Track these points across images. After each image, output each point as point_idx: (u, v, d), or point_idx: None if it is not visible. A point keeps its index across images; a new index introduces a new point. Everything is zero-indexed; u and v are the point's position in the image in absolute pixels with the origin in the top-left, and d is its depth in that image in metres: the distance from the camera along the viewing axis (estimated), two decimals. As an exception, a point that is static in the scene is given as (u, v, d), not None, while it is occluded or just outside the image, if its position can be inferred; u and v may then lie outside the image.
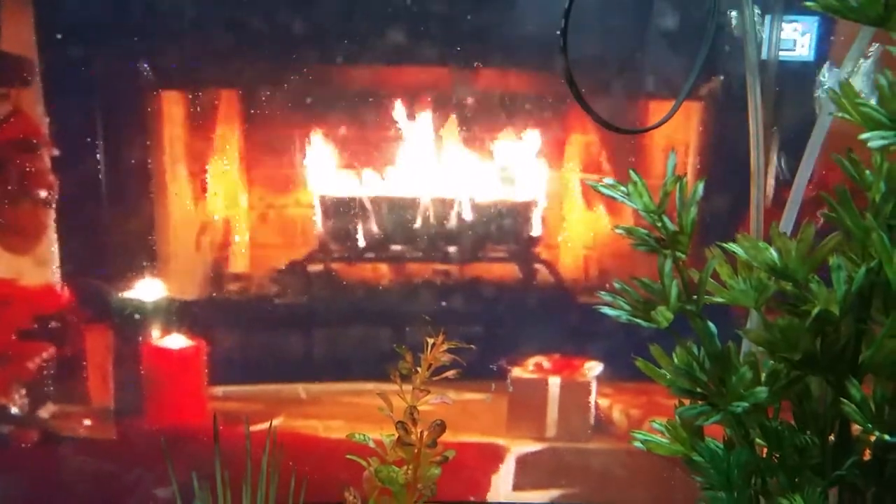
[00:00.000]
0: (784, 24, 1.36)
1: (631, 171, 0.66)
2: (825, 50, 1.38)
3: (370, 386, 1.56)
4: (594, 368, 1.66)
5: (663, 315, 0.63)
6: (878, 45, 1.02)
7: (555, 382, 1.64)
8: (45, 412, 1.57)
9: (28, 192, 1.52)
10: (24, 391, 1.55)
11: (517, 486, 1.56)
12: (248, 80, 1.55)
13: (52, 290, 1.57)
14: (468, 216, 1.66)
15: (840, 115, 0.62)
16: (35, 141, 1.52)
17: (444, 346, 0.82)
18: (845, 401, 0.61)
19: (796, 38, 1.38)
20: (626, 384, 1.66)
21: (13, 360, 1.55)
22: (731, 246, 0.66)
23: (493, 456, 1.59)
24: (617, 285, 0.67)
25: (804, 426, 0.66)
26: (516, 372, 1.65)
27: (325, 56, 1.55)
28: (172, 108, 1.59)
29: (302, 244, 1.68)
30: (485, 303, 1.68)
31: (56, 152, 1.53)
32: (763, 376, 0.65)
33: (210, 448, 0.98)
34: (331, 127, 1.60)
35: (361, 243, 1.67)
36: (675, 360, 0.66)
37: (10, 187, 1.51)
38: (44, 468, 1.55)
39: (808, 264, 0.64)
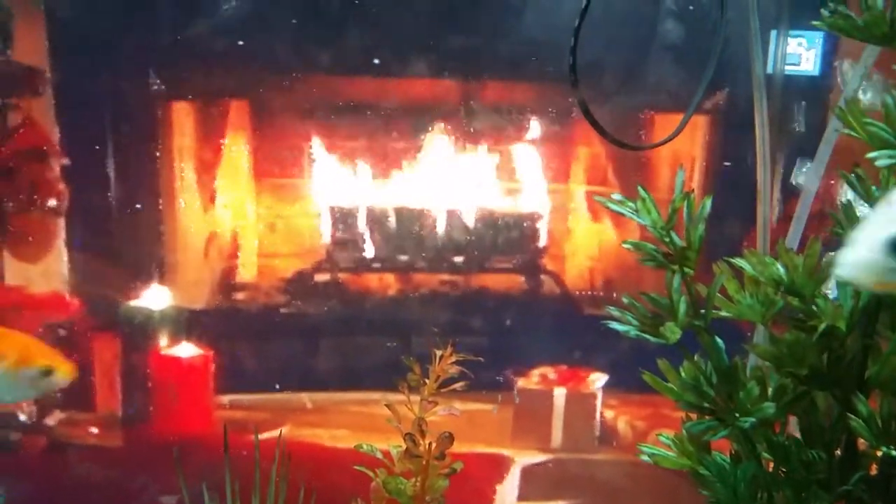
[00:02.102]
0: (790, 40, 1.37)
1: (640, 188, 0.67)
2: (830, 65, 1.39)
3: (376, 396, 1.57)
4: (599, 380, 1.66)
5: (672, 331, 0.64)
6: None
7: (560, 394, 1.64)
8: (52, 419, 1.57)
9: (38, 201, 1.53)
10: (32, 399, 1.56)
11: (522, 497, 1.56)
12: (258, 91, 1.56)
13: (60, 299, 1.57)
14: (475, 228, 1.67)
15: (847, 132, 0.63)
16: (45, 150, 1.53)
17: (453, 358, 0.82)
18: (852, 416, 0.62)
19: (801, 53, 1.39)
20: (631, 396, 1.66)
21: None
22: (739, 261, 0.66)
23: (499, 466, 1.59)
24: (625, 300, 0.67)
25: (811, 441, 0.66)
26: (522, 383, 1.66)
27: (334, 68, 1.56)
28: (182, 118, 1.60)
29: (309, 254, 1.69)
30: (491, 313, 1.68)
31: (66, 162, 1.54)
32: (770, 391, 0.65)
33: (215, 457, 0.98)
34: (339, 138, 1.61)
35: (369, 254, 1.68)
36: (683, 374, 0.66)
37: (20, 196, 1.52)
38: (50, 475, 1.55)
39: (815, 280, 0.64)
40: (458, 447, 0.82)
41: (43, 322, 1.57)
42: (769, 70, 1.36)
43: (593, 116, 0.81)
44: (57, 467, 1.56)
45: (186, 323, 1.61)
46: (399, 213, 1.67)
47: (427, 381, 0.83)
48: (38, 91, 1.52)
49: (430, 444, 0.80)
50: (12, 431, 1.54)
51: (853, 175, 0.66)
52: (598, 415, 1.65)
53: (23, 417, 1.54)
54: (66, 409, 1.58)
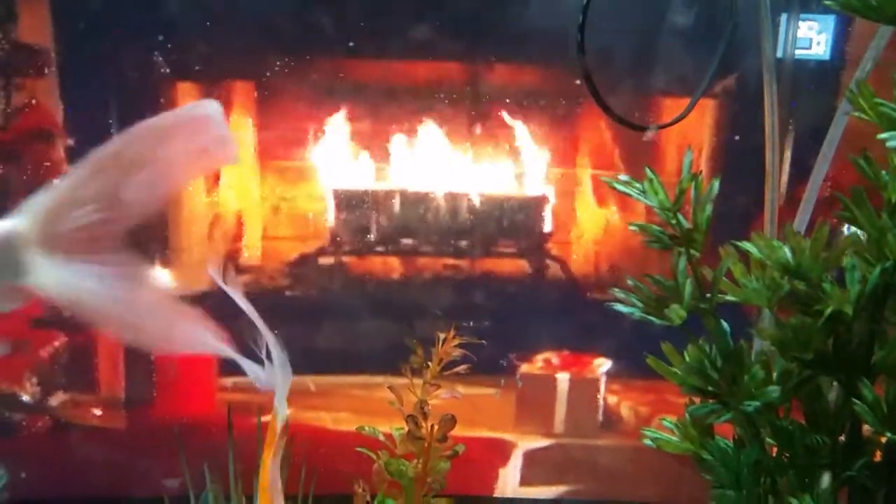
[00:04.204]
0: (800, 23, 1.35)
1: (647, 169, 0.66)
2: (841, 49, 1.38)
3: (380, 379, 1.57)
4: (603, 365, 1.66)
5: (677, 313, 0.63)
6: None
7: (564, 379, 1.64)
8: (55, 400, 1.58)
9: (43, 182, 1.53)
10: (35, 379, 1.57)
11: (524, 482, 1.57)
12: (264, 72, 1.55)
13: (65, 280, 1.57)
14: (480, 211, 1.66)
15: (857, 114, 0.62)
16: (51, 131, 1.53)
17: (455, 341, 0.82)
18: (857, 401, 0.61)
19: (812, 37, 1.37)
20: (634, 381, 1.66)
21: (26, 348, 1.56)
22: (745, 244, 0.65)
23: (501, 451, 1.59)
24: (630, 282, 0.67)
25: (815, 426, 0.66)
26: (525, 368, 1.65)
27: (339, 49, 1.55)
28: (187, 98, 1.59)
29: (314, 237, 1.69)
30: (495, 298, 1.68)
31: (71, 142, 1.54)
32: (775, 375, 0.65)
33: (219, 438, 0.98)
34: (344, 120, 1.61)
35: (373, 237, 1.67)
36: (687, 357, 0.66)
37: (25, 177, 1.52)
38: (53, 456, 1.56)
39: (822, 264, 0.64)
40: (460, 431, 0.82)
41: (48, 303, 1.58)
42: (779, 54, 1.35)
43: (601, 97, 0.81)
44: (59, 448, 1.56)
45: (190, 304, 1.60)
46: (404, 196, 1.67)
47: (430, 364, 0.83)
48: (43, 71, 1.52)
49: (432, 426, 0.80)
50: (15, 412, 1.55)
51: (863, 158, 0.66)
52: (601, 400, 1.65)
53: (25, 398, 1.55)
54: (69, 390, 1.59)
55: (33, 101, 1.52)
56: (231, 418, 0.97)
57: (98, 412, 1.59)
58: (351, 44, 1.52)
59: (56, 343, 1.58)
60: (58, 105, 1.52)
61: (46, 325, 1.57)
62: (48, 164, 1.53)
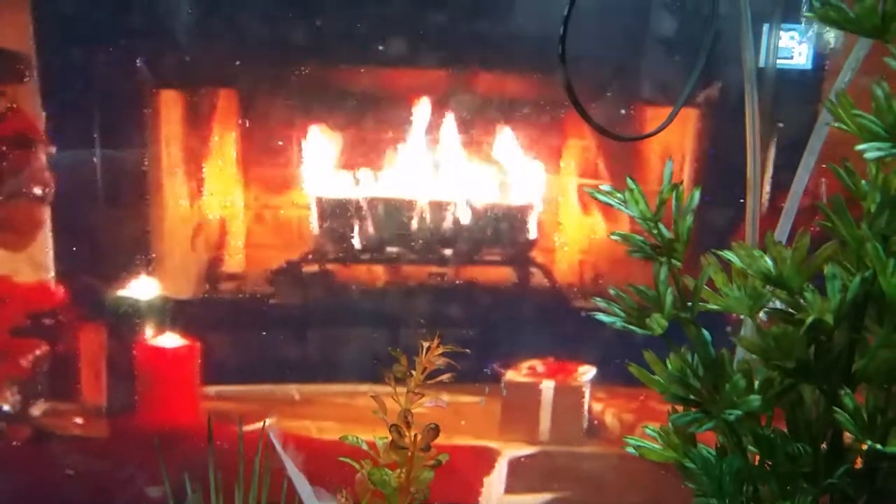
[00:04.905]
0: (782, 33, 1.37)
1: (628, 179, 0.66)
2: (822, 59, 1.39)
3: (363, 388, 1.56)
4: (588, 373, 1.66)
5: (658, 322, 0.63)
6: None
7: (548, 386, 1.64)
8: (37, 409, 1.56)
9: (24, 189, 1.52)
10: (16, 388, 1.55)
11: (509, 490, 1.56)
12: (246, 81, 1.55)
13: (46, 288, 1.56)
14: (464, 219, 1.66)
15: (836, 125, 0.62)
16: (31, 138, 1.51)
17: (440, 350, 0.81)
18: (838, 410, 0.61)
19: (794, 47, 1.39)
20: (618, 389, 1.66)
21: (6, 357, 1.55)
22: (727, 254, 0.66)
23: (486, 459, 1.59)
24: (612, 292, 0.67)
25: (797, 434, 0.66)
26: (510, 375, 1.65)
27: (323, 58, 1.55)
28: (170, 107, 1.59)
29: (297, 245, 1.68)
30: (480, 306, 1.68)
31: (52, 150, 1.53)
32: (756, 384, 0.65)
33: (201, 447, 0.97)
34: (328, 128, 1.61)
35: (357, 245, 1.67)
36: (669, 366, 0.66)
37: (5, 184, 1.51)
38: (35, 466, 1.55)
39: (803, 273, 0.64)
40: (445, 439, 0.82)
41: (28, 311, 1.56)
42: (761, 63, 1.36)
43: (582, 108, 0.81)
44: (41, 458, 1.55)
45: (173, 313, 1.60)
46: (388, 204, 1.66)
47: (414, 372, 0.83)
48: (24, 77, 1.51)
49: (415, 435, 0.79)
50: (-5, 421, 1.53)
51: (842, 168, 0.66)
52: (586, 408, 1.66)
53: (6, 407, 1.53)
54: (50, 399, 1.57)
55: (14, 108, 1.51)
56: (211, 427, 0.96)
57: (79, 421, 1.58)
58: (335, 52, 1.52)
59: (38, 352, 1.56)
60: (39, 112, 1.51)
61: (28, 334, 1.56)
62: (29, 170, 1.52)
